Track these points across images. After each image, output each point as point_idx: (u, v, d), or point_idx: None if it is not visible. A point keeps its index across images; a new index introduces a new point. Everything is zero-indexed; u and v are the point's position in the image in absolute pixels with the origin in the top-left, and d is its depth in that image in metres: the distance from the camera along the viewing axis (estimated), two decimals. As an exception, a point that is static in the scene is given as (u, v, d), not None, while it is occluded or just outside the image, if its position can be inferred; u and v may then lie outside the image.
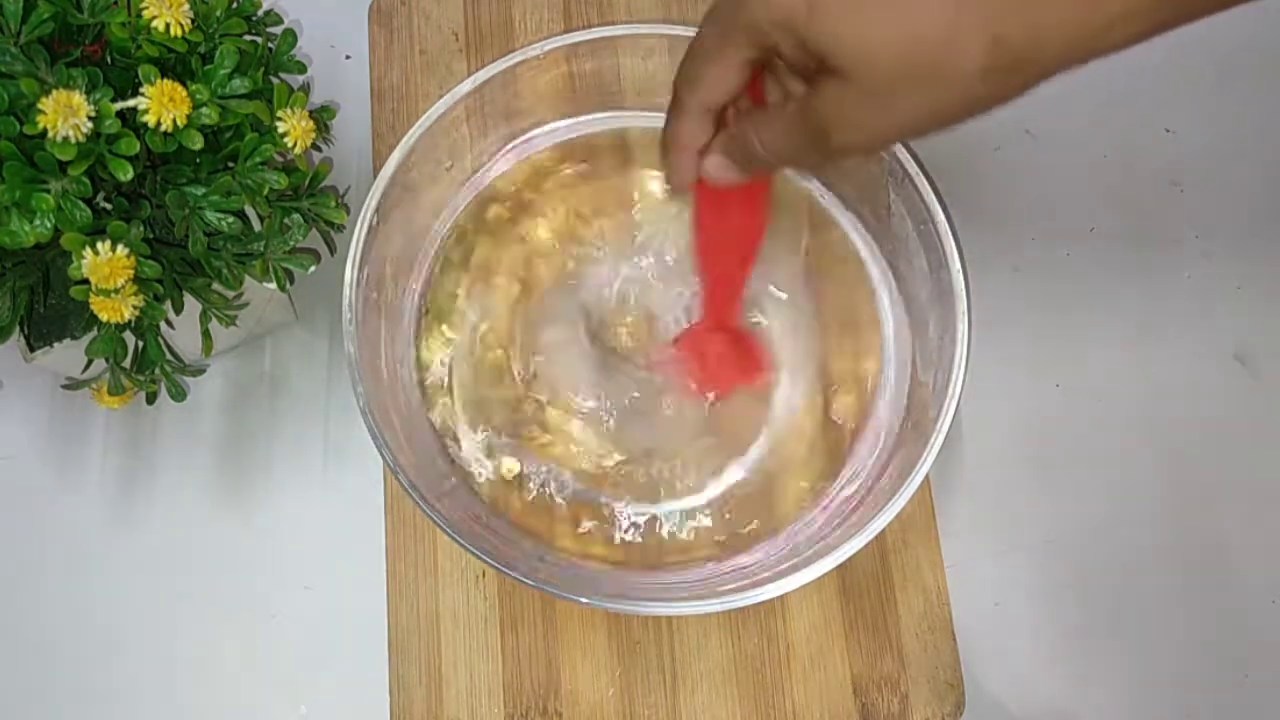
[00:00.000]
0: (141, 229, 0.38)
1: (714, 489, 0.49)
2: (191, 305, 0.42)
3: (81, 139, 0.35)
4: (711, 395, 0.50)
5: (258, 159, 0.40)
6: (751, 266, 0.44)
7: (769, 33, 0.32)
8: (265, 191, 0.40)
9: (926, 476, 0.43)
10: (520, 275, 0.52)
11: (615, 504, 0.49)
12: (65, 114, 0.34)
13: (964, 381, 0.44)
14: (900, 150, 0.47)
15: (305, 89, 0.44)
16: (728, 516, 0.49)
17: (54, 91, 0.35)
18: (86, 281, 0.37)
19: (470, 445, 0.49)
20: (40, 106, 0.34)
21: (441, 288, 0.52)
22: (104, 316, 0.38)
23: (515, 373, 0.51)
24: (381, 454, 0.43)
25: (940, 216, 0.46)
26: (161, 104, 0.36)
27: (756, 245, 0.43)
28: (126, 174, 0.36)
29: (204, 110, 0.37)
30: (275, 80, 0.41)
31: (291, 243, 0.42)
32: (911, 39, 0.30)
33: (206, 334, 0.43)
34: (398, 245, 0.50)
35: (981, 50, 0.29)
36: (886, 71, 0.30)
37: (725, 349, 0.49)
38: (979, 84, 0.30)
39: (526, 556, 0.47)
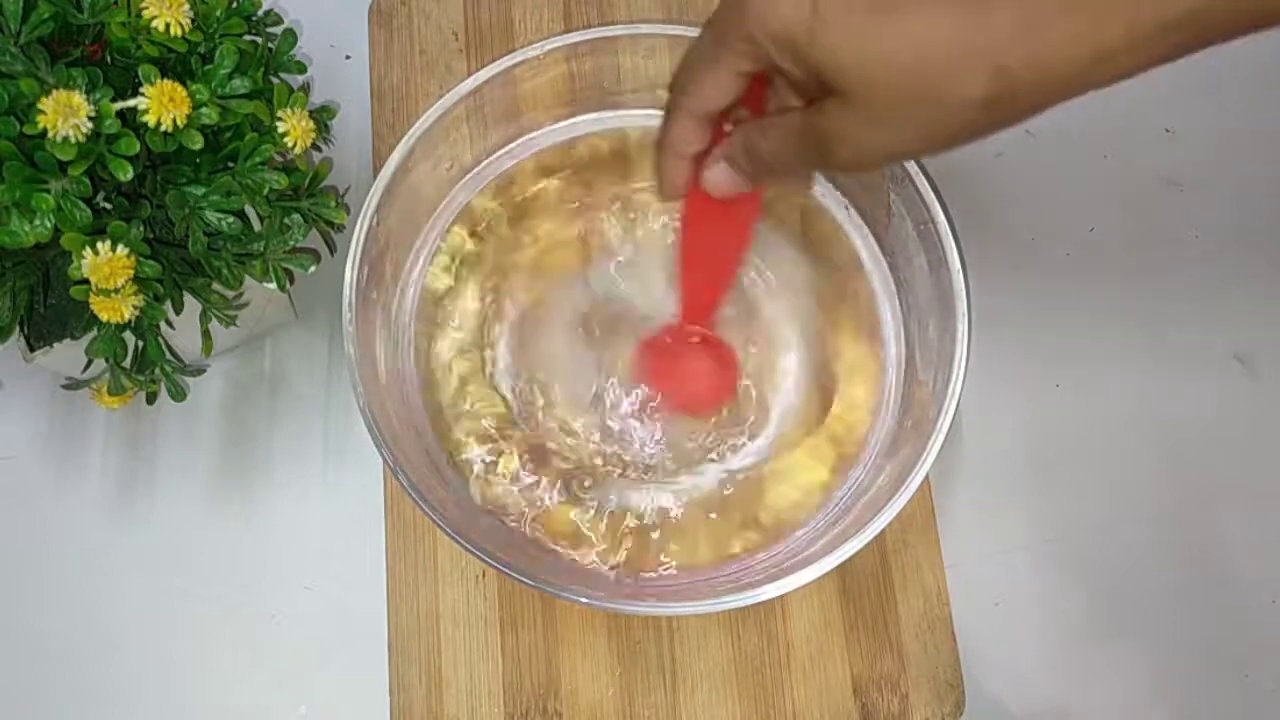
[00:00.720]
0: (141, 229, 0.38)
1: (714, 488, 0.49)
2: (191, 305, 0.42)
3: (81, 139, 0.35)
4: (673, 410, 0.49)
5: (258, 159, 0.40)
6: (735, 275, 0.44)
7: (768, 49, 0.32)
8: (265, 191, 0.40)
9: (926, 476, 0.43)
10: (520, 275, 0.52)
11: (615, 503, 0.49)
12: (65, 114, 0.34)
13: (964, 381, 0.44)
14: (900, 150, 0.47)
15: (305, 89, 0.43)
16: (729, 516, 0.49)
17: (54, 91, 0.35)
18: (86, 281, 0.37)
19: (470, 445, 0.49)
20: (40, 106, 0.34)
21: (442, 287, 0.52)
22: (104, 316, 0.38)
23: (515, 372, 0.51)
24: (381, 454, 0.43)
25: (940, 216, 0.46)
26: (161, 104, 0.36)
27: (742, 254, 0.43)
28: (126, 174, 0.36)
29: (204, 110, 0.37)
30: (275, 80, 0.41)
31: (291, 243, 0.42)
32: (914, 66, 0.30)
33: (206, 334, 0.43)
34: (398, 245, 0.50)
35: (984, 79, 0.29)
36: (887, 96, 0.30)
37: (695, 362, 0.49)
38: (980, 112, 0.30)
39: (526, 556, 0.47)
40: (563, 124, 0.53)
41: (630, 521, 0.48)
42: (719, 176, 0.38)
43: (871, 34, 0.30)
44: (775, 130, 0.35)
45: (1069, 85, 0.30)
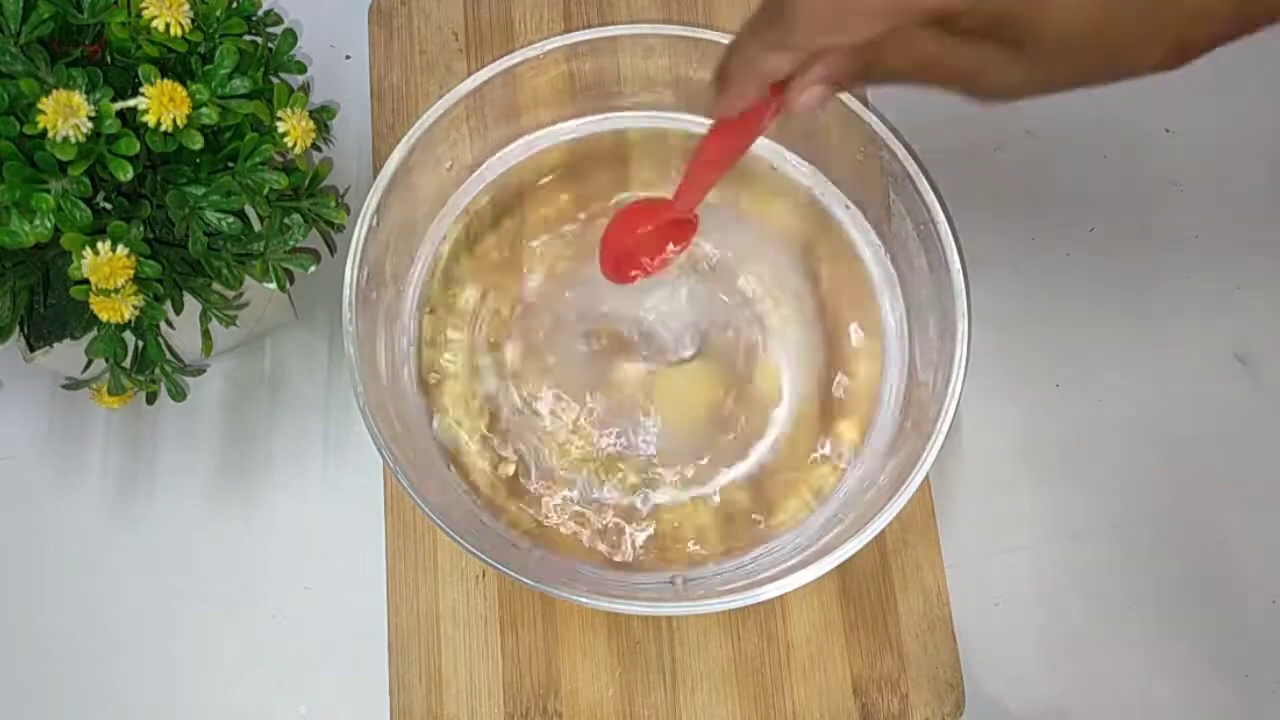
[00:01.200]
0: (141, 229, 0.38)
1: (714, 489, 0.49)
2: (191, 305, 0.42)
3: (81, 139, 0.35)
4: (636, 271, 0.47)
5: (258, 159, 0.40)
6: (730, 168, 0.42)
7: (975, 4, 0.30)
8: (265, 191, 0.40)
9: (926, 476, 0.43)
10: (519, 275, 0.52)
11: (614, 503, 0.49)
12: (65, 114, 0.34)
13: (964, 381, 0.44)
14: (900, 150, 0.47)
15: (305, 89, 0.44)
16: (728, 516, 0.49)
17: (54, 91, 0.35)
18: (86, 281, 0.37)
19: (469, 445, 0.49)
20: (40, 106, 0.34)
21: (441, 287, 0.52)
22: (104, 316, 0.38)
23: (514, 372, 0.51)
24: (381, 454, 0.43)
25: (940, 216, 0.46)
26: (161, 104, 0.36)
27: (745, 150, 0.42)
28: (126, 174, 0.36)
29: (204, 110, 0.37)
30: (275, 80, 0.41)
31: (291, 243, 0.42)
32: (1109, 29, 0.30)
33: (206, 334, 0.43)
34: (398, 245, 0.50)
35: (1164, 51, 0.30)
36: (1071, 50, 0.30)
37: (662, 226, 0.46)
38: (1146, 70, 0.30)
39: (526, 556, 0.47)
40: (562, 124, 0.53)
41: (629, 521, 0.48)
42: (811, 100, 0.36)
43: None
44: (911, 51, 0.33)
45: (1226, 41, 0.30)
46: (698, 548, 0.48)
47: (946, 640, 0.49)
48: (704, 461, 0.49)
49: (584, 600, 0.43)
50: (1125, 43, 0.30)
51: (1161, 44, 0.30)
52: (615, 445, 0.49)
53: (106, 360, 0.41)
